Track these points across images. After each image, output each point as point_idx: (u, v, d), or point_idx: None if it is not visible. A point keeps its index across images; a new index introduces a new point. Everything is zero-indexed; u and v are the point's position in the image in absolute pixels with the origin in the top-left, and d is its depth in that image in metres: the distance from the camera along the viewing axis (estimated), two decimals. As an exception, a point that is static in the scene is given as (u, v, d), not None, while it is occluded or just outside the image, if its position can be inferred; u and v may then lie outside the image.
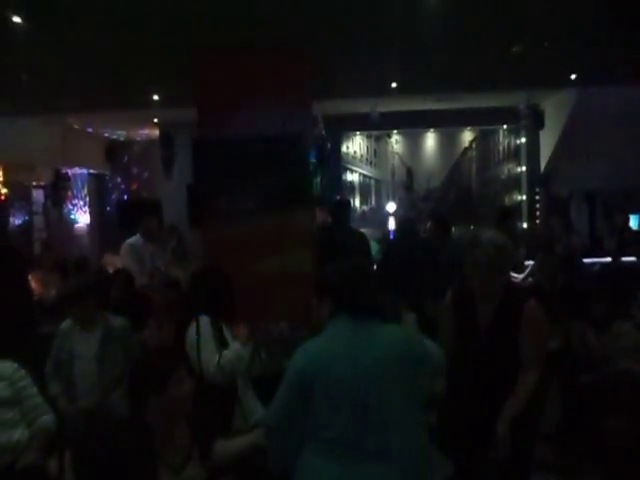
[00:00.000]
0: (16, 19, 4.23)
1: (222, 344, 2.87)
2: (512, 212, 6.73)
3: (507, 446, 2.44)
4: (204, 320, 2.88)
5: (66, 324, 3.48)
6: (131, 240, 5.72)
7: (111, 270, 6.03)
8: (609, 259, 6.80)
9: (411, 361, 2.02)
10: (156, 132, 10.06)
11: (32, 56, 5.22)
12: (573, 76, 6.65)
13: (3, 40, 4.70)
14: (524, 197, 10.03)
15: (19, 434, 2.77)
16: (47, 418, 2.83)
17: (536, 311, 2.59)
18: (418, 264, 4.88)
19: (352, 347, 1.96)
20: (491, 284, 2.59)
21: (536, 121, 9.23)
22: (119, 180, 11.31)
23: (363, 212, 10.68)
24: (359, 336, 1.99)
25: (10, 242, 6.18)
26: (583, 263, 5.73)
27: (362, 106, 8.33)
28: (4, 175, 8.87)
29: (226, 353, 2.80)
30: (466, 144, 10.62)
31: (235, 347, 2.83)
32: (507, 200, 10.25)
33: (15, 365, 2.85)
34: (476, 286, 2.62)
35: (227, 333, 2.98)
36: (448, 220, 5.38)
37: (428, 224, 5.57)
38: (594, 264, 6.48)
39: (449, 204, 10.24)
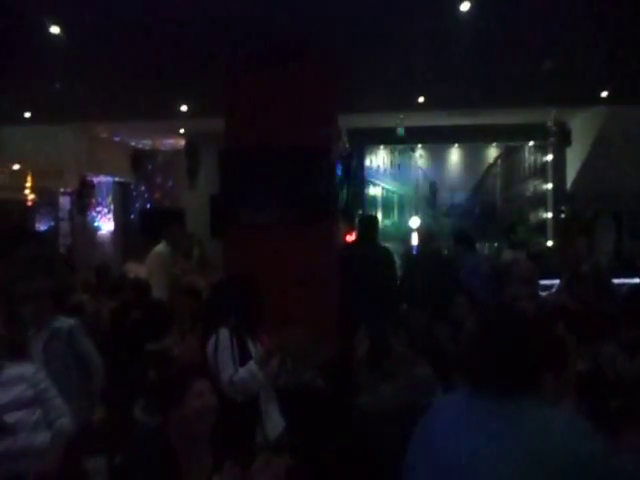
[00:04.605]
0: (53, 29, 4.30)
1: (243, 359, 2.80)
2: (516, 225, 6.87)
3: None
4: (223, 333, 2.83)
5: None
6: (159, 249, 5.67)
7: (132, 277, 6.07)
8: (638, 280, 6.62)
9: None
10: (181, 142, 10.16)
11: (63, 66, 5.31)
12: (604, 94, 6.55)
13: (34, 50, 4.78)
14: (550, 215, 9.89)
15: (42, 437, 2.77)
16: (65, 420, 2.83)
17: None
18: (438, 283, 4.81)
19: (465, 428, 1.46)
20: None
21: (563, 138, 9.12)
22: (143, 189, 11.44)
23: (385, 227, 10.61)
24: (476, 415, 1.47)
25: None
26: (612, 284, 5.58)
27: (387, 120, 8.31)
28: (32, 181, 9.03)
29: (241, 371, 2.74)
30: (491, 160, 10.52)
31: (250, 366, 2.75)
32: (532, 217, 10.12)
33: (35, 367, 2.86)
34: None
35: (252, 347, 2.91)
36: (471, 236, 5.27)
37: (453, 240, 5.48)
38: (622, 285, 6.31)
39: (473, 220, 10.13)
